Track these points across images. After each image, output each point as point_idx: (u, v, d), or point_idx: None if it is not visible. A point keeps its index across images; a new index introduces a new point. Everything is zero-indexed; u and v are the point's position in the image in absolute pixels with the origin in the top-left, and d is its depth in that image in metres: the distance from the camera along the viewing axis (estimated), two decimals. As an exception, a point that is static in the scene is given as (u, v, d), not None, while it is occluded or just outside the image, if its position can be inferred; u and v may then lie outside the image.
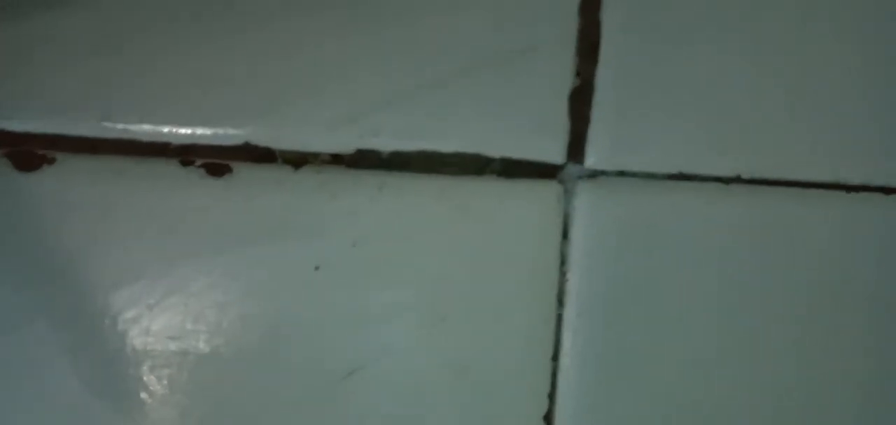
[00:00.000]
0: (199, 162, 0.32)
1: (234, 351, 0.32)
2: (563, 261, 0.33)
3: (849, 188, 0.33)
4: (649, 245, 0.33)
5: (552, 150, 0.32)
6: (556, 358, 0.33)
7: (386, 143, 0.32)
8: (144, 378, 0.33)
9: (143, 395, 0.33)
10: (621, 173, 0.32)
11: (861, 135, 0.33)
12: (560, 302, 0.33)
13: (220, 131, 0.32)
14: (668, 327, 0.33)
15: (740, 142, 0.32)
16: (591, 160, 0.32)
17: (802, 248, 0.33)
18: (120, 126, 0.31)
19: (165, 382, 0.33)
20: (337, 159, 0.32)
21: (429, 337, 0.33)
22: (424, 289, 0.32)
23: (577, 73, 0.32)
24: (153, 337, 0.33)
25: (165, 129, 0.31)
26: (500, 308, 0.33)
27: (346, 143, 0.32)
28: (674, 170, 0.32)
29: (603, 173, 0.32)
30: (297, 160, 0.32)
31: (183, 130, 0.32)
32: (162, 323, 0.32)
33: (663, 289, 0.33)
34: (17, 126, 0.31)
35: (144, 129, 0.31)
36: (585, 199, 0.32)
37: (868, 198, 0.33)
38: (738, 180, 0.33)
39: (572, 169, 0.32)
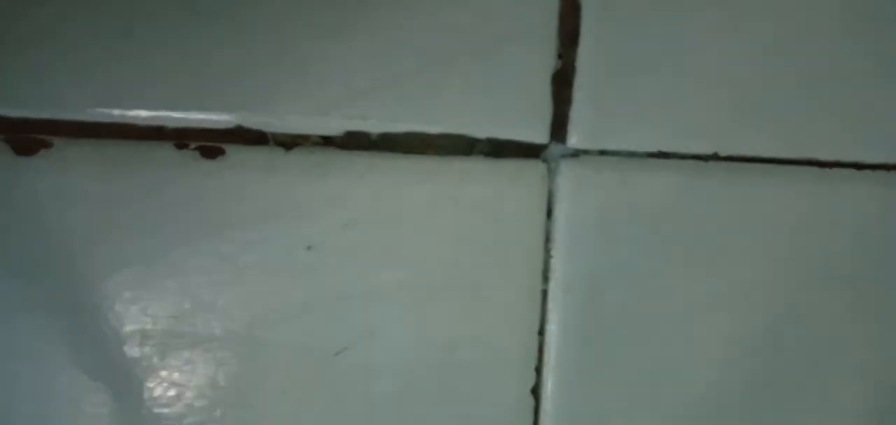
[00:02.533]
0: (193, 145, 0.32)
1: (227, 330, 0.33)
2: (547, 238, 0.34)
3: (822, 164, 0.34)
4: (630, 221, 0.34)
5: (536, 131, 0.33)
6: (542, 332, 0.34)
7: (375, 126, 0.33)
8: (141, 358, 0.33)
9: (140, 375, 0.34)
10: (602, 152, 0.33)
11: (834, 112, 0.34)
12: (545, 277, 0.34)
13: (214, 115, 0.32)
14: (649, 300, 0.34)
15: (717, 120, 0.33)
16: (574, 140, 0.33)
17: (778, 223, 0.34)
18: (116, 111, 0.32)
19: (162, 362, 0.33)
20: (327, 141, 0.33)
21: (418, 313, 0.33)
22: (414, 267, 0.33)
23: (559, 57, 0.33)
24: (150, 317, 0.33)
25: (160, 114, 0.32)
26: (487, 284, 0.34)
27: (335, 126, 0.33)
28: (653, 148, 0.33)
29: (585, 152, 0.33)
30: (289, 142, 0.33)
31: (177, 114, 0.32)
32: (159, 303, 0.33)
33: (644, 264, 0.34)
34: (14, 112, 0.32)
35: (139, 114, 0.32)
36: (568, 178, 0.33)
37: (841, 174, 0.34)
38: (715, 158, 0.34)
39: (555, 148, 0.33)
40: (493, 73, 0.33)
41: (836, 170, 0.34)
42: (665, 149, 0.33)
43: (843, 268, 0.35)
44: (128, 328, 0.33)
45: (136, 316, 0.33)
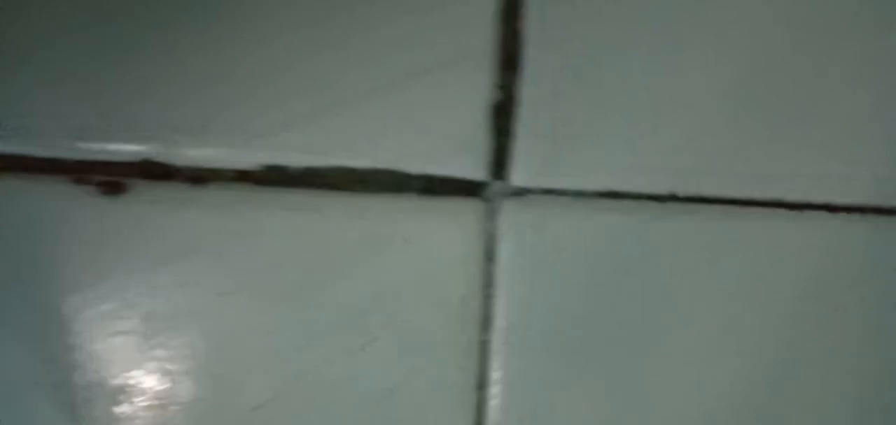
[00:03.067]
0: (94, 180, 0.30)
1: (133, 384, 0.30)
2: (488, 285, 0.31)
3: (791, 206, 0.31)
4: (578, 266, 0.31)
5: (474, 167, 0.30)
6: (482, 387, 0.31)
7: (297, 159, 0.30)
8: (31, 412, 0.30)
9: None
10: (548, 191, 0.31)
11: (803, 150, 0.31)
12: (485, 327, 0.31)
13: (117, 147, 0.29)
14: (600, 353, 0.31)
15: (676, 157, 0.31)
16: (516, 177, 0.30)
17: (742, 269, 0.31)
18: (9, 142, 0.29)
19: (54, 419, 0.30)
20: (243, 176, 0.30)
21: (344, 366, 0.30)
22: (338, 315, 0.30)
23: (499, 86, 0.30)
24: (47, 366, 0.30)
25: (58, 145, 0.29)
26: (420, 335, 0.31)
27: (253, 159, 0.30)
28: (604, 187, 0.31)
29: (528, 191, 0.30)
30: (201, 177, 0.30)
31: (77, 146, 0.29)
32: (54, 355, 0.30)
33: (594, 313, 0.31)
34: None
35: (35, 145, 0.29)
36: (510, 219, 0.30)
37: (811, 217, 0.31)
38: (673, 199, 0.31)
39: (496, 186, 0.30)
40: (426, 104, 0.30)
41: (806, 213, 0.31)
42: (617, 188, 0.31)
43: (811, 316, 0.32)
44: (15, 380, 0.30)
45: (27, 368, 0.30)
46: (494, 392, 0.31)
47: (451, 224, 0.30)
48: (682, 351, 0.31)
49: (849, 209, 0.32)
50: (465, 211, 0.30)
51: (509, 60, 0.30)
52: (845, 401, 0.32)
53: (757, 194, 0.31)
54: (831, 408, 0.32)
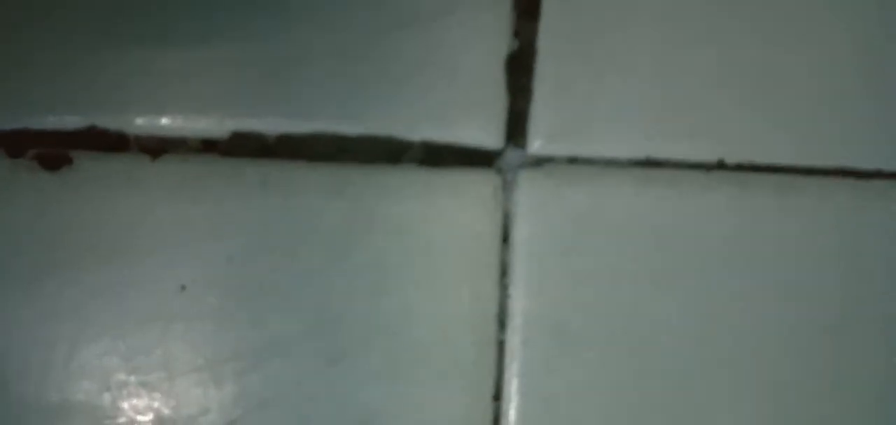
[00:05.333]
0: (30, 153, 0.26)
1: (70, 400, 0.25)
2: (503, 272, 0.27)
3: (859, 174, 0.28)
4: (610, 249, 0.27)
5: (487, 132, 0.27)
6: (498, 397, 0.27)
7: (272, 125, 0.26)
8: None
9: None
10: (573, 159, 0.27)
11: (872, 112, 0.28)
12: (501, 324, 0.27)
13: (58, 114, 0.26)
14: (635, 351, 0.27)
15: (723, 119, 0.27)
16: (536, 143, 0.27)
17: (802, 247, 0.27)
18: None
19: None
20: (209, 146, 0.26)
21: (328, 376, 0.26)
22: (322, 313, 0.26)
23: (516, 34, 0.27)
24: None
25: (-14, 112, 0.26)
26: (423, 336, 0.27)
27: (219, 125, 0.26)
28: (640, 154, 0.27)
29: (550, 160, 0.27)
30: (157, 148, 0.26)
31: (9, 114, 0.26)
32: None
33: (628, 304, 0.27)
34: None
35: (-41, 113, 0.25)
36: (530, 193, 0.27)
37: (882, 186, 0.28)
38: (721, 167, 0.27)
39: (512, 155, 0.27)
40: (429, 57, 0.27)
41: (875, 182, 0.28)
42: (655, 155, 0.27)
43: (880, 301, 0.28)
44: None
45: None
46: (511, 403, 0.26)
47: (459, 200, 0.27)
48: (733, 347, 0.27)
49: (928, 178, 0.27)
50: (475, 184, 0.27)
51: (528, 3, 0.26)
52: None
53: (820, 161, 0.27)
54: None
